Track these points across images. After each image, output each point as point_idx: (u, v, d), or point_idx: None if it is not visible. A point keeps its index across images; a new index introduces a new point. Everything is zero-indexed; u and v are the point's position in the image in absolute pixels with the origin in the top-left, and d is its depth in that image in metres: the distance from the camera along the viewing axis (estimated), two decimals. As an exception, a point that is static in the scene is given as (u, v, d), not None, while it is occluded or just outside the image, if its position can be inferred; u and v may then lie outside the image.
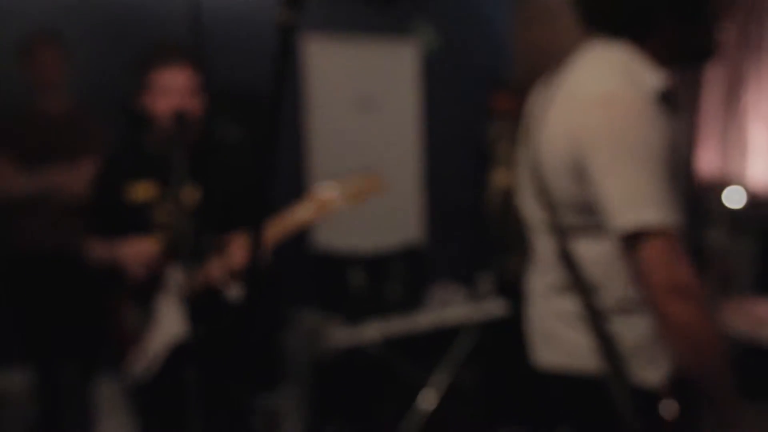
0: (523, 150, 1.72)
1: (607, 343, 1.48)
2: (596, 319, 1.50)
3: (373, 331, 3.45)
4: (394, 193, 4.98)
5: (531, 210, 1.69)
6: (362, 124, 4.92)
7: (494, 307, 3.89)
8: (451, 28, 5.21)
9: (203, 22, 4.27)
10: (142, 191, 2.29)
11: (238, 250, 2.22)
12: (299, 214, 2.17)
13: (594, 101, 1.44)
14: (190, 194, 2.25)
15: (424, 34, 5.13)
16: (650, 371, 1.47)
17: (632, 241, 1.38)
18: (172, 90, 2.23)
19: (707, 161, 4.01)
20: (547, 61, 5.48)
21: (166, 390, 2.24)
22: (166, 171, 2.26)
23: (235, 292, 2.27)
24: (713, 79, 3.95)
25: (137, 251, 2.24)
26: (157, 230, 2.29)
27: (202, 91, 2.32)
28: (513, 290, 4.37)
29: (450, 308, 3.75)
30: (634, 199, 1.38)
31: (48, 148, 3.27)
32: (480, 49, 5.44)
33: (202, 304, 2.23)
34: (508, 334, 3.93)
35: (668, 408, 1.46)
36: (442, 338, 3.60)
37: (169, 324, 2.27)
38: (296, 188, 4.63)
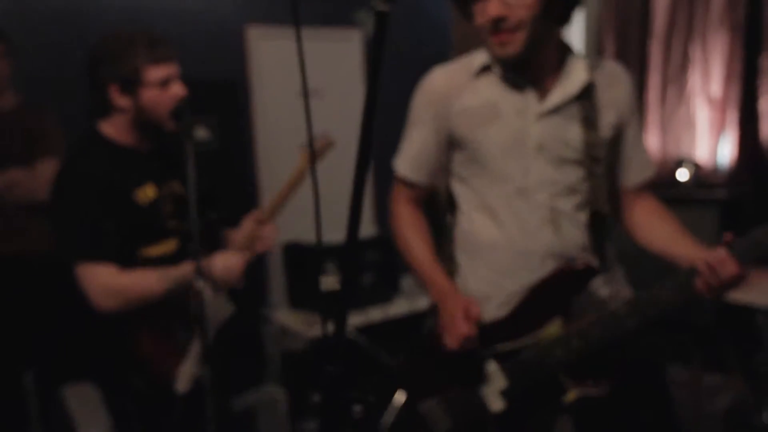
0: None
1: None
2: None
3: (351, 320, 3.45)
4: (347, 183, 4.98)
5: None
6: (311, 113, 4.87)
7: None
8: (394, 19, 5.23)
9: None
10: (148, 192, 2.15)
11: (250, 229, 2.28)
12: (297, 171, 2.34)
13: None
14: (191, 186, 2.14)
15: (367, 23, 5.15)
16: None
17: None
18: (170, 81, 2.09)
19: (655, 140, 4.19)
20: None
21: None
22: (160, 167, 2.19)
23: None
24: (661, 61, 4.13)
25: (228, 264, 2.17)
26: (169, 229, 2.19)
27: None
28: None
29: (423, 295, 3.81)
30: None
31: (0, 149, 3.11)
32: (422, 39, 5.49)
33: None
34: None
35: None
36: (416, 324, 3.65)
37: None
38: (248, 180, 4.58)
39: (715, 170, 3.89)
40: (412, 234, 1.97)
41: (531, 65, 1.73)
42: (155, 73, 2.04)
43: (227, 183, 3.01)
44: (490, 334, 1.77)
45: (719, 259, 1.54)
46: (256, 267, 4.33)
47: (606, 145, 1.78)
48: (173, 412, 2.13)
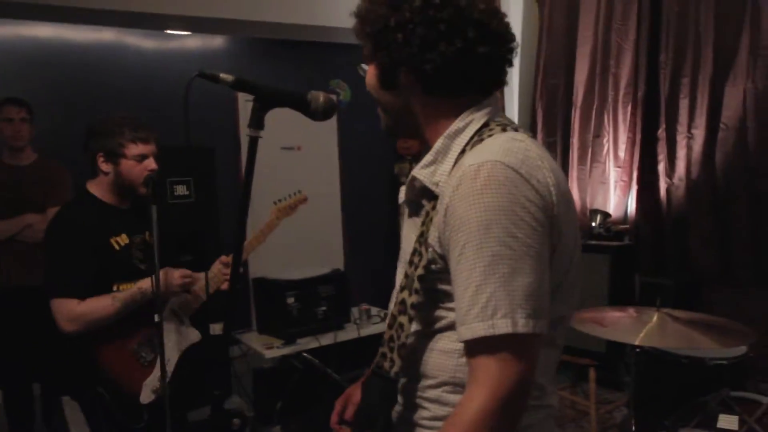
0: None
1: None
2: None
3: (306, 344, 4.07)
4: (319, 227, 5.63)
5: None
6: (290, 166, 5.62)
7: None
8: (362, 84, 5.92)
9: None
10: (121, 240, 2.57)
11: (218, 270, 2.69)
12: (268, 225, 2.85)
13: None
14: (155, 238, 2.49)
15: (339, 89, 5.87)
16: None
17: None
18: (145, 158, 2.56)
19: (576, 194, 4.79)
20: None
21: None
22: (133, 221, 2.63)
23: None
24: (580, 129, 4.75)
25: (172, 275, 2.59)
26: (138, 269, 2.59)
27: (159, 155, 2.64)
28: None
29: (368, 324, 4.40)
30: None
31: (19, 196, 3.74)
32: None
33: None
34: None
35: None
36: (363, 348, 4.21)
37: (171, 348, 2.64)
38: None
39: (624, 220, 4.49)
40: None
41: (421, 144, 1.40)
42: (134, 150, 2.53)
43: (205, 230, 3.59)
44: None
45: None
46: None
47: (431, 270, 1.27)
48: (140, 420, 2.52)
